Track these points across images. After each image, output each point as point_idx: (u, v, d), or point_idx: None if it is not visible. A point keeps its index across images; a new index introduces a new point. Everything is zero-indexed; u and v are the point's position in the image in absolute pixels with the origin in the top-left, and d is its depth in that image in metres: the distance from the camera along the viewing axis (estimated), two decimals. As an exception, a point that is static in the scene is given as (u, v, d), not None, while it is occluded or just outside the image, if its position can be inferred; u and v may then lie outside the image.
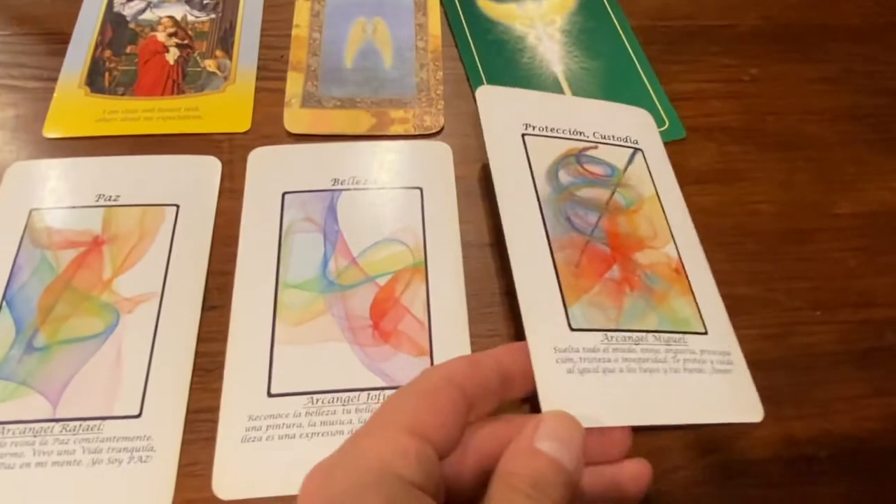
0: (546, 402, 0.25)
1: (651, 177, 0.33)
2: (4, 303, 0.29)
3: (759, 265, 0.33)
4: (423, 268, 0.32)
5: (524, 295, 0.28)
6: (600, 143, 0.34)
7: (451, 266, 0.32)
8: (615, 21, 0.42)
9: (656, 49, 0.41)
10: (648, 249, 0.31)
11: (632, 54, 0.40)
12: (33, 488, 0.25)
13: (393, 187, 0.34)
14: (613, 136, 0.34)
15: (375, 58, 0.39)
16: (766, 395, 0.29)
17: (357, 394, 0.28)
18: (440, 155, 0.36)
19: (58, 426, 0.27)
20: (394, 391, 0.28)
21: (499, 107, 0.34)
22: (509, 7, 0.43)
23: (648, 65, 0.40)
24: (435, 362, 0.29)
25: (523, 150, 0.32)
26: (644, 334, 0.28)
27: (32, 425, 0.27)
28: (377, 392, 0.28)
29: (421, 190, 0.34)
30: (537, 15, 0.42)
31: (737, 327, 0.30)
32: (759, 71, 0.40)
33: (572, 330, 0.27)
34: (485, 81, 0.38)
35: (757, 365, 0.29)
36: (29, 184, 0.33)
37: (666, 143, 0.34)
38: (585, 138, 0.34)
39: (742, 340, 0.30)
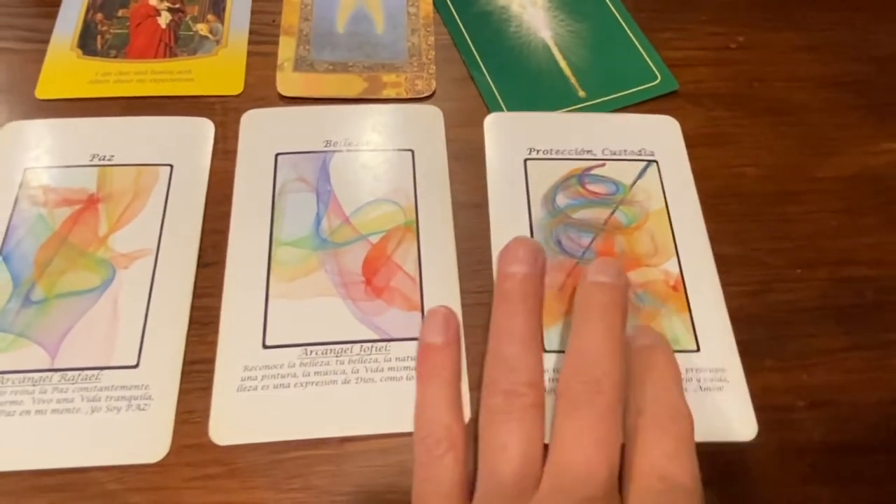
0: None
1: (663, 189, 0.34)
2: (1, 258, 0.30)
3: (742, 225, 0.34)
4: (414, 227, 0.32)
5: None
6: (609, 159, 0.34)
7: (442, 225, 0.32)
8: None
9: (645, 16, 0.41)
10: (645, 268, 0.31)
11: (615, 12, 0.41)
12: (34, 435, 0.26)
13: (385, 149, 0.35)
14: (626, 151, 0.35)
15: (367, 23, 0.40)
16: (748, 347, 0.30)
17: (350, 346, 0.29)
18: (431, 118, 0.36)
19: (56, 376, 0.27)
20: (386, 343, 0.29)
21: (503, 133, 0.35)
22: (491, -23, 0.43)
23: (634, 21, 0.40)
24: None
25: (523, 176, 0.33)
26: None
27: (31, 375, 0.27)
28: (370, 344, 0.29)
29: (412, 152, 0.35)
30: (518, -18, 0.43)
31: (720, 284, 0.31)
32: (745, 39, 0.41)
33: (545, 352, 0.28)
34: (477, 57, 0.38)
35: (739, 320, 0.31)
36: (22, 144, 0.33)
37: (660, 98, 0.35)
38: (593, 156, 0.34)
39: (725, 297, 0.31)
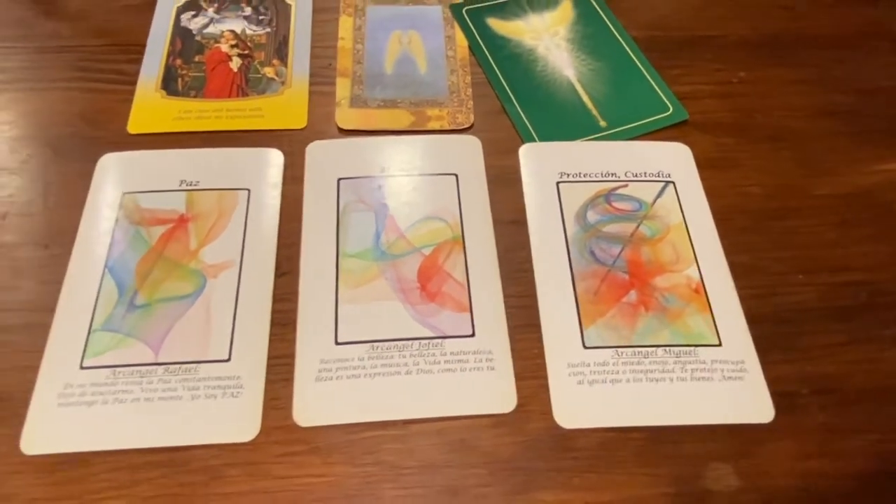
0: (558, 410, 0.31)
1: (680, 206, 0.38)
2: (107, 270, 0.35)
3: (749, 237, 0.38)
4: (460, 240, 0.37)
5: (546, 321, 0.34)
6: (631, 181, 0.39)
7: (485, 239, 0.37)
8: (610, 26, 0.48)
9: (655, 56, 0.46)
10: (669, 273, 0.36)
11: (630, 52, 0.46)
12: (144, 418, 0.30)
13: (432, 174, 0.39)
14: (645, 173, 0.40)
15: (411, 65, 0.45)
16: (759, 343, 0.34)
17: (410, 342, 0.33)
18: (471, 147, 0.41)
19: (160, 369, 0.32)
20: (441, 340, 0.33)
21: (537, 161, 0.40)
22: (517, 24, 0.48)
23: (647, 60, 0.45)
24: (474, 317, 0.34)
25: (556, 197, 0.38)
26: (654, 349, 0.33)
27: (139, 368, 0.32)
28: (427, 341, 0.33)
29: (456, 176, 0.39)
30: (542, 28, 0.48)
31: (735, 288, 0.36)
32: (746, 74, 0.46)
33: (585, 348, 0.33)
34: (509, 93, 0.44)
35: (749, 319, 0.35)
36: (119, 172, 0.38)
37: (672, 127, 0.39)
38: (617, 179, 0.39)
39: (739, 299, 0.35)
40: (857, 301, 0.36)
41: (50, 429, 0.30)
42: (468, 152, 0.41)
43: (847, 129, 0.43)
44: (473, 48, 0.46)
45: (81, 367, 0.31)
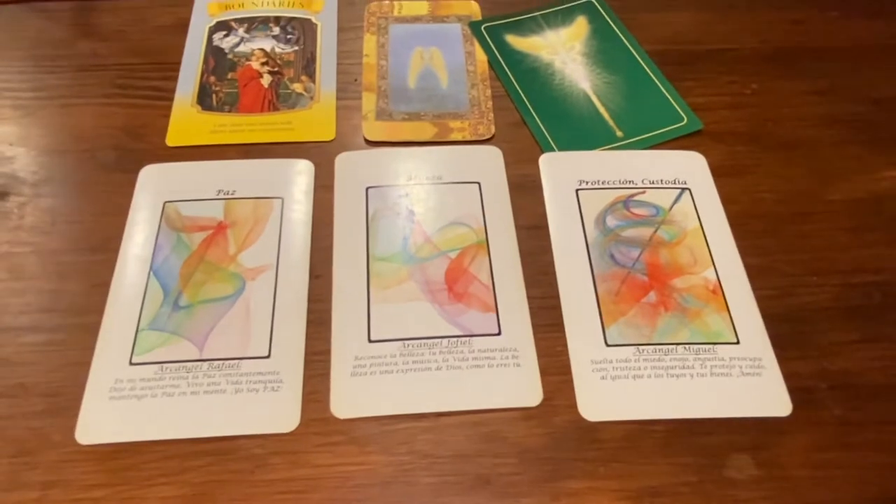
0: (583, 404, 0.32)
1: (696, 211, 0.40)
2: (152, 273, 0.36)
3: (763, 241, 0.39)
4: (485, 245, 0.38)
5: (569, 320, 0.36)
6: (648, 188, 0.41)
7: (508, 243, 0.39)
8: (624, 41, 0.50)
9: (669, 69, 0.48)
10: (687, 275, 0.37)
11: (644, 66, 0.48)
12: (191, 411, 0.32)
13: (456, 182, 0.41)
14: (662, 180, 0.41)
15: (434, 79, 0.47)
16: (776, 341, 0.35)
17: (439, 340, 0.35)
18: (492, 156, 0.43)
19: (205, 364, 0.33)
20: (469, 338, 0.35)
21: (557, 170, 0.42)
22: (534, 40, 0.50)
23: (660, 72, 0.47)
24: (500, 317, 0.36)
25: (576, 204, 0.40)
26: (674, 346, 0.35)
27: (185, 364, 0.33)
28: (455, 339, 0.35)
29: (479, 184, 0.41)
30: (559, 43, 0.50)
31: (751, 289, 0.37)
32: (759, 86, 0.47)
33: (608, 346, 0.34)
34: (528, 105, 0.45)
35: (767, 318, 0.36)
36: (160, 182, 0.40)
37: (687, 136, 0.41)
38: (634, 185, 0.41)
39: (755, 299, 0.37)
40: (870, 301, 0.37)
41: (103, 420, 0.32)
42: (490, 162, 0.42)
43: (857, 137, 0.44)
44: (493, 63, 0.48)
45: (131, 364, 0.33)
